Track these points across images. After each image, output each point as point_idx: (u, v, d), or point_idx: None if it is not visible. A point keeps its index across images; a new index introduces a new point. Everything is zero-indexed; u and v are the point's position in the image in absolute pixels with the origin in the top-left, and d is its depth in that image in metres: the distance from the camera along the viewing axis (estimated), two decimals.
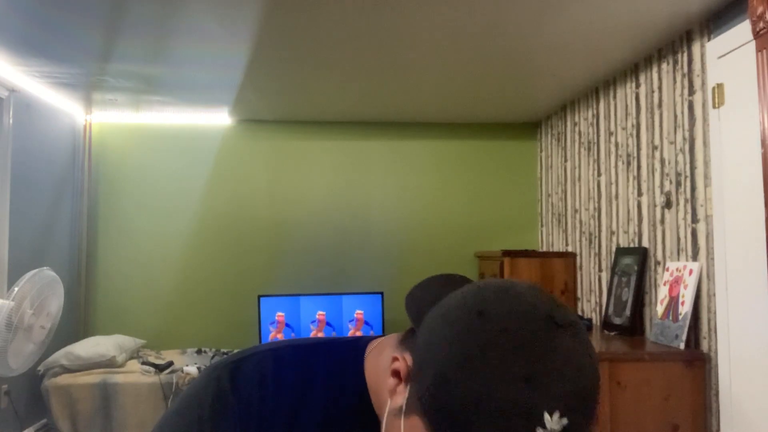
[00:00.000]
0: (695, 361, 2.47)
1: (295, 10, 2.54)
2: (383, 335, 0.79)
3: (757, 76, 1.71)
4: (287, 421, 0.70)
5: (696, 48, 2.64)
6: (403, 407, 0.62)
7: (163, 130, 4.54)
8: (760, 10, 1.69)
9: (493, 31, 2.77)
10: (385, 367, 0.71)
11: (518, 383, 0.54)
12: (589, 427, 0.57)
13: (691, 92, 2.66)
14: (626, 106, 3.26)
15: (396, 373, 0.64)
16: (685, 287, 2.57)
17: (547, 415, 0.53)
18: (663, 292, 2.73)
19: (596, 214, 3.60)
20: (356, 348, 0.77)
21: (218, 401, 0.70)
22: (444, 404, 0.56)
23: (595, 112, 3.66)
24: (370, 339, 0.78)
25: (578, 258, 3.86)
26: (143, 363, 3.77)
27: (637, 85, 3.15)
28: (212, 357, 4.05)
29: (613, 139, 3.41)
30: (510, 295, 0.60)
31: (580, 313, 3.79)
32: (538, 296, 0.60)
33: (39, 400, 3.72)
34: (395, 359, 0.64)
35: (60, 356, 3.71)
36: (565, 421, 0.54)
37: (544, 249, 4.49)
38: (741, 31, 2.29)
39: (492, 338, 0.56)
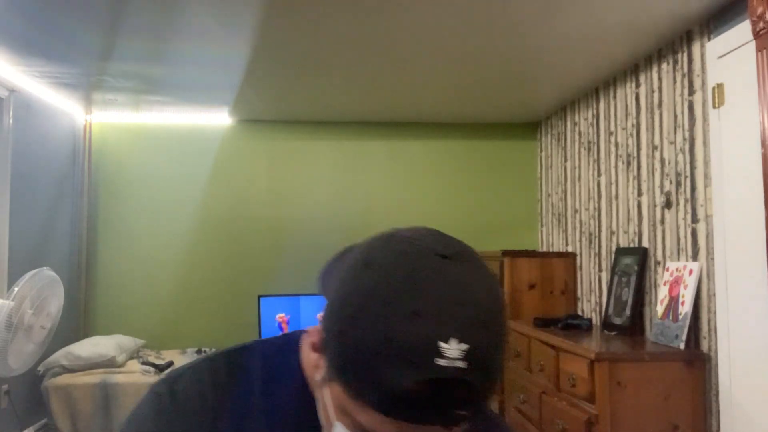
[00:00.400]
0: (695, 361, 2.47)
1: (295, 10, 2.54)
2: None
3: (757, 76, 1.71)
4: (233, 427, 0.70)
5: (696, 48, 2.64)
6: (324, 377, 0.63)
7: (163, 130, 4.54)
8: (760, 10, 1.69)
9: (493, 31, 2.77)
10: (305, 349, 0.73)
11: (409, 320, 0.54)
12: (497, 349, 0.57)
13: (691, 92, 2.66)
14: (626, 106, 3.26)
15: (314, 346, 0.65)
16: (685, 287, 2.57)
17: (442, 344, 0.53)
18: (663, 292, 2.73)
19: (596, 214, 3.60)
20: (289, 342, 0.77)
21: (160, 416, 0.70)
22: (348, 360, 0.56)
23: (595, 112, 3.66)
24: (303, 331, 0.78)
25: (578, 258, 3.86)
26: (143, 363, 3.77)
27: (637, 85, 3.15)
28: None
29: (613, 139, 3.41)
30: (394, 240, 0.60)
31: (580, 313, 3.79)
32: (423, 235, 0.61)
33: (39, 400, 3.72)
34: (312, 332, 0.66)
35: (60, 356, 3.71)
36: (464, 346, 0.54)
37: (544, 249, 4.49)
38: (741, 31, 2.29)
39: (376, 284, 0.56)
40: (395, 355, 0.54)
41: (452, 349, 0.54)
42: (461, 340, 0.54)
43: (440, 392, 0.54)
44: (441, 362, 0.53)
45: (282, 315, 4.15)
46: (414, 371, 0.53)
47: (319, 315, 0.65)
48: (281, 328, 4.17)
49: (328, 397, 0.63)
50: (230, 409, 0.70)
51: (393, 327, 0.54)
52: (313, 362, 0.67)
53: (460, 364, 0.54)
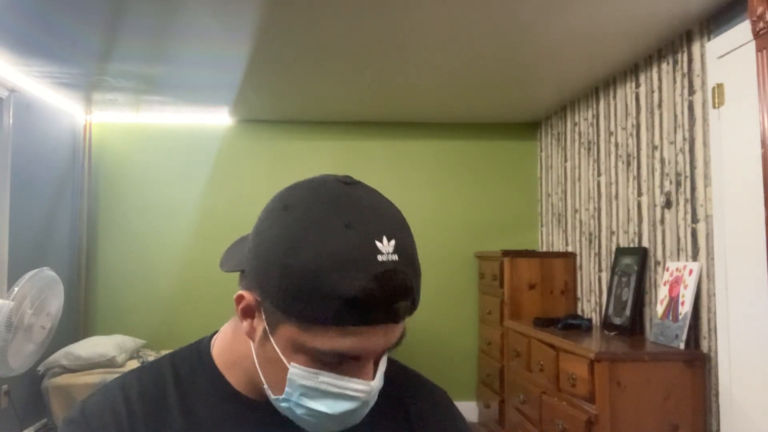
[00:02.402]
0: (695, 361, 2.47)
1: (295, 10, 2.54)
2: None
3: (757, 76, 1.71)
4: (149, 429, 0.72)
5: (696, 48, 2.64)
6: (267, 329, 0.66)
7: (163, 130, 4.54)
8: (760, 10, 1.69)
9: (494, 31, 2.77)
10: (231, 335, 0.76)
11: (343, 233, 0.61)
12: (414, 247, 0.66)
13: (691, 92, 2.66)
14: (626, 106, 3.26)
15: (245, 312, 0.69)
16: (685, 287, 2.57)
17: (377, 242, 0.61)
18: (663, 292, 2.73)
19: (596, 214, 3.60)
20: (200, 346, 0.80)
21: (69, 430, 0.72)
22: (298, 289, 0.61)
23: (595, 112, 3.66)
24: (213, 334, 0.81)
25: (578, 258, 3.86)
26: (143, 363, 3.77)
27: (637, 85, 3.15)
28: None
29: (613, 139, 3.41)
30: (297, 185, 0.69)
31: (580, 313, 3.79)
32: (325, 174, 0.70)
33: (39, 400, 3.72)
34: (237, 301, 0.69)
35: (60, 356, 3.71)
36: (393, 242, 0.62)
37: (544, 249, 4.49)
38: (741, 31, 2.29)
39: (304, 215, 0.63)
40: (342, 264, 0.60)
41: (386, 246, 0.62)
42: (389, 238, 0.62)
43: (385, 286, 0.60)
44: (381, 258, 0.61)
45: None
46: (362, 272, 0.60)
47: (238, 293, 0.70)
48: None
49: (274, 349, 0.66)
50: (145, 418, 0.72)
51: (332, 243, 0.61)
52: (246, 330, 0.69)
53: (395, 257, 0.62)
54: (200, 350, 0.79)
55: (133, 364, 3.84)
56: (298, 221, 0.63)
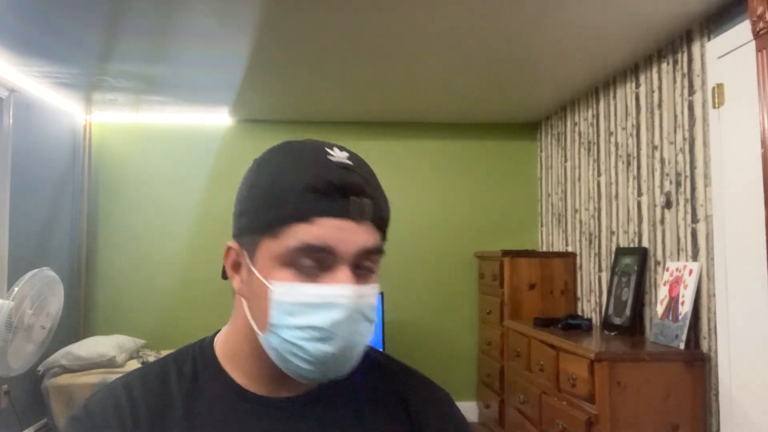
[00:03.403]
0: (695, 361, 2.47)
1: (295, 10, 2.54)
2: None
3: (757, 76, 1.71)
4: (153, 425, 0.72)
5: (696, 48, 2.64)
6: (249, 263, 0.70)
7: (163, 130, 4.53)
8: (760, 10, 1.69)
9: (493, 31, 2.77)
10: (231, 323, 0.78)
11: (298, 147, 0.71)
12: (372, 173, 0.71)
13: (691, 92, 2.66)
14: (626, 106, 3.26)
15: (234, 266, 0.73)
16: (685, 287, 2.57)
17: (328, 149, 0.69)
18: (663, 292, 2.73)
19: (596, 214, 3.60)
20: (203, 342, 0.81)
21: (73, 427, 0.72)
22: (261, 198, 0.68)
23: (595, 112, 3.66)
24: (217, 332, 0.83)
25: (578, 258, 3.86)
26: (143, 363, 3.77)
27: (637, 85, 3.15)
28: None
29: (613, 139, 3.41)
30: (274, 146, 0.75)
31: (580, 313, 3.79)
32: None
33: (39, 400, 3.72)
34: (225, 257, 0.74)
35: (60, 356, 3.71)
36: (347, 153, 0.70)
37: (544, 249, 4.49)
38: (741, 31, 2.29)
39: (270, 149, 0.73)
40: (295, 165, 0.67)
41: (338, 153, 0.69)
42: (342, 150, 0.70)
43: (335, 178, 0.66)
44: (331, 159, 0.68)
45: None
46: (313, 167, 0.66)
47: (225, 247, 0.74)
48: None
49: (257, 278, 0.68)
50: (148, 415, 0.72)
51: (290, 154, 0.70)
52: (236, 286, 0.73)
53: (348, 162, 0.68)
54: (203, 346, 0.80)
55: (133, 364, 3.84)
56: (265, 154, 0.73)
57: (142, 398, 0.73)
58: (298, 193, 0.65)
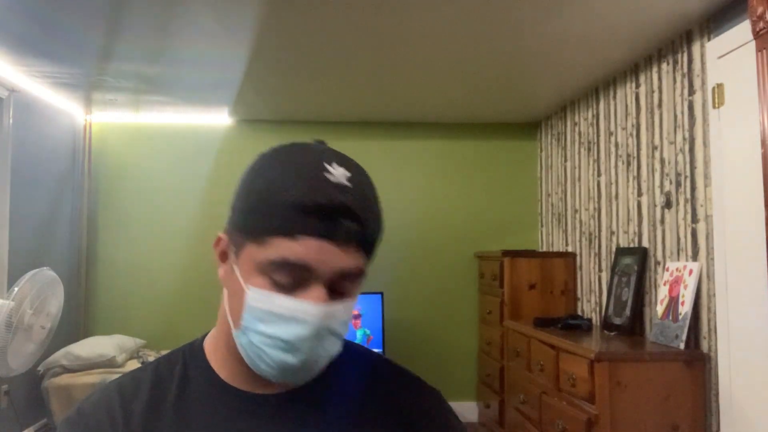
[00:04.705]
0: (695, 361, 2.47)
1: (295, 10, 2.54)
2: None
3: (757, 76, 1.71)
4: (146, 427, 0.73)
5: (696, 48, 2.64)
6: (233, 258, 0.71)
7: (163, 130, 4.53)
8: (760, 10, 1.69)
9: (493, 31, 2.77)
10: (218, 316, 0.79)
11: (299, 155, 0.70)
12: (372, 189, 0.71)
13: (691, 92, 2.66)
14: (626, 106, 3.26)
15: (222, 256, 0.75)
16: (685, 287, 2.57)
17: (327, 164, 0.67)
18: (663, 292, 2.73)
19: (596, 214, 3.60)
20: (194, 342, 0.82)
21: (65, 428, 0.73)
22: (253, 203, 0.68)
23: (595, 112, 3.66)
24: (205, 336, 0.84)
25: (578, 258, 3.86)
26: (143, 363, 3.77)
27: (637, 85, 3.15)
28: None
29: (613, 139, 3.41)
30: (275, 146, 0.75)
31: (580, 313, 3.79)
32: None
33: (39, 400, 3.72)
34: (215, 245, 0.76)
35: (60, 356, 3.71)
36: (346, 172, 0.68)
37: (544, 249, 4.49)
38: (741, 31, 2.29)
39: (271, 151, 0.72)
40: (289, 176, 0.67)
41: (336, 170, 0.67)
42: (342, 166, 0.68)
43: (327, 199, 0.65)
44: (328, 176, 0.66)
45: None
46: (308, 183, 0.65)
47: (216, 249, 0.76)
48: None
49: (237, 277, 0.70)
50: (140, 416, 0.73)
51: (288, 162, 0.69)
52: (222, 275, 0.75)
53: (345, 183, 0.67)
54: (194, 345, 0.81)
55: (133, 364, 3.84)
56: (265, 155, 0.72)
57: (135, 401, 0.74)
58: (287, 208, 0.65)
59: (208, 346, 0.80)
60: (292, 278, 0.67)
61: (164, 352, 0.84)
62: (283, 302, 0.67)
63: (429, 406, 0.83)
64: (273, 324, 0.67)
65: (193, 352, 0.80)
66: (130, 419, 0.73)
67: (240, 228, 0.70)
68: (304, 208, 0.65)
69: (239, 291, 0.70)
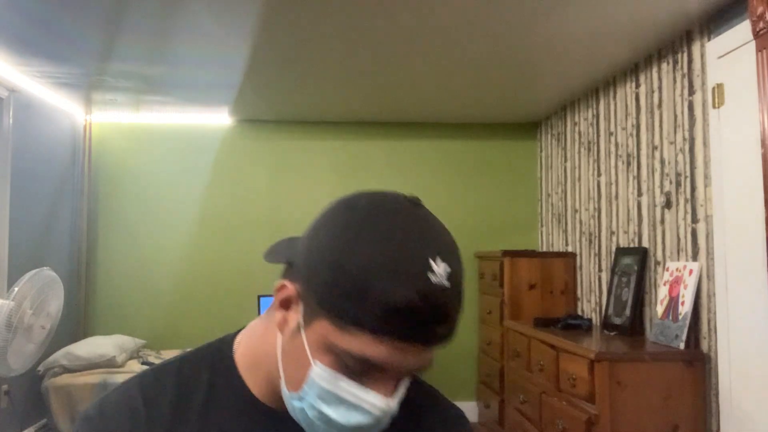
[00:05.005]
0: (695, 361, 2.47)
1: (295, 10, 2.54)
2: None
3: (757, 76, 1.71)
4: (168, 429, 0.71)
5: (696, 48, 2.64)
6: (301, 322, 0.66)
7: (163, 130, 4.53)
8: (760, 10, 1.69)
9: (493, 31, 2.77)
10: (261, 332, 0.75)
11: (401, 243, 0.62)
12: (463, 278, 0.66)
13: (691, 92, 2.66)
14: (626, 106, 3.26)
15: (284, 303, 0.68)
16: (685, 287, 2.57)
17: (432, 261, 0.61)
18: (663, 292, 2.73)
19: (596, 214, 3.60)
20: (222, 345, 0.79)
21: (85, 427, 0.71)
22: (344, 286, 0.61)
23: (595, 112, 3.66)
24: (236, 333, 0.80)
25: (578, 258, 3.86)
26: (143, 363, 3.77)
27: (637, 85, 3.15)
28: None
29: (613, 139, 3.41)
30: (367, 192, 0.69)
31: (580, 313, 3.79)
32: (379, 190, 0.70)
33: (39, 400, 3.72)
34: (279, 290, 0.68)
35: (60, 356, 3.71)
36: (448, 267, 0.62)
37: (544, 249, 4.49)
38: (741, 31, 2.29)
39: (365, 217, 0.64)
40: (393, 273, 0.60)
41: (439, 268, 0.62)
42: (444, 261, 0.62)
43: (430, 306, 0.60)
44: (432, 277, 0.60)
45: None
46: (411, 285, 0.59)
47: (278, 282, 0.69)
48: None
49: (303, 343, 0.66)
50: (162, 421, 0.71)
51: (388, 250, 0.61)
52: (278, 321, 0.69)
53: (446, 283, 0.61)
54: (222, 350, 0.78)
55: (133, 364, 3.84)
56: (359, 223, 0.63)
57: (159, 404, 0.72)
58: (383, 309, 0.59)
59: (242, 360, 0.76)
60: (365, 368, 0.64)
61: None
62: (350, 388, 0.64)
63: (451, 427, 0.82)
64: (335, 407, 0.65)
65: (223, 359, 0.77)
66: (154, 422, 0.71)
67: (320, 300, 0.63)
68: (400, 314, 0.59)
69: (303, 359, 0.66)
